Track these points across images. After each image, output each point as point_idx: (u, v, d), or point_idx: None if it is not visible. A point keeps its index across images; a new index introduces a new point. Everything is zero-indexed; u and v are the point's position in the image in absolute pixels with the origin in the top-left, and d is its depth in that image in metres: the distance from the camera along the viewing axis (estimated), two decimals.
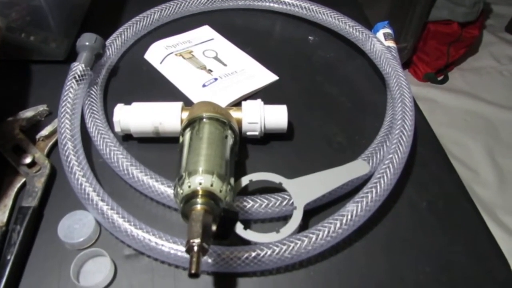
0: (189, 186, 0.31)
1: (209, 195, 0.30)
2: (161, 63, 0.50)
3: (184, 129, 0.37)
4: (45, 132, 0.42)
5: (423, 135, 0.45)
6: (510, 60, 1.80)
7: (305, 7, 0.55)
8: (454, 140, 1.42)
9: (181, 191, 0.31)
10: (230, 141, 0.37)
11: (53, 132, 0.42)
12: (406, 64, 1.68)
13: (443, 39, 1.56)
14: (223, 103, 0.45)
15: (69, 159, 0.37)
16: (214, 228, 0.30)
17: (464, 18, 1.51)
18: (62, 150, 0.37)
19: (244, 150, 0.43)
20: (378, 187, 0.36)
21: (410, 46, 1.56)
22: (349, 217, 0.34)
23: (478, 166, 1.35)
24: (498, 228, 1.15)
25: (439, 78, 1.66)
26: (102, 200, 0.35)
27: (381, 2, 1.45)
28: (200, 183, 0.30)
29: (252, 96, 0.48)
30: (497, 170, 1.35)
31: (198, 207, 0.30)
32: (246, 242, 0.33)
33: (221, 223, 0.30)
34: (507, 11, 1.97)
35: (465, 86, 1.66)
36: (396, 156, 0.38)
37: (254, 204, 0.36)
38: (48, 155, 0.41)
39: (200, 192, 0.30)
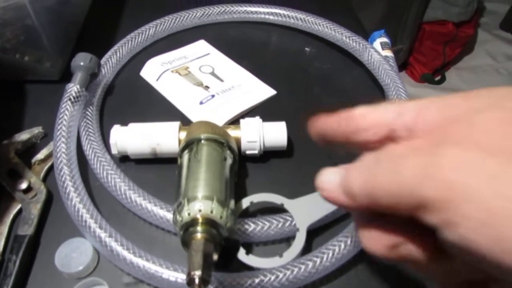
0: (189, 214, 0.30)
1: (210, 222, 0.30)
2: (157, 80, 0.49)
3: (182, 150, 0.37)
4: (40, 155, 0.41)
5: None
6: (506, 57, 1.80)
7: (300, 18, 0.55)
8: None
9: (180, 219, 0.30)
10: (229, 161, 0.36)
11: (49, 156, 0.41)
12: (402, 66, 1.68)
13: (438, 39, 1.56)
14: (221, 121, 0.44)
15: (65, 185, 0.36)
16: (215, 257, 0.29)
17: (459, 18, 1.52)
18: (58, 175, 0.37)
19: (243, 168, 0.42)
20: None
21: (406, 47, 1.56)
22: (353, 237, 0.34)
23: None
24: None
25: (436, 79, 1.67)
26: (100, 227, 0.34)
27: (375, 4, 1.45)
28: (200, 210, 0.30)
29: (250, 111, 0.47)
30: None
31: (198, 235, 0.29)
32: (248, 268, 0.32)
33: (222, 253, 0.29)
34: (500, 8, 1.97)
35: (462, 85, 1.66)
36: None
37: (256, 227, 0.35)
38: (44, 179, 0.40)
39: (200, 220, 0.29)
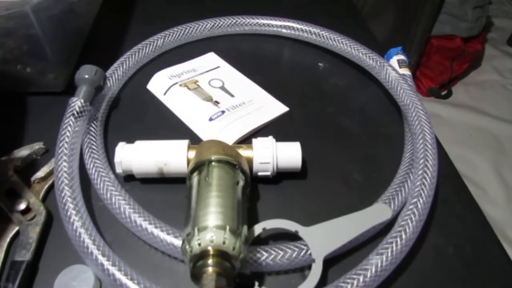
0: (199, 244, 0.28)
1: (222, 254, 0.27)
2: (165, 94, 0.47)
3: (191, 172, 0.35)
4: (41, 173, 0.39)
5: (445, 171, 0.42)
6: None
7: (314, 33, 0.53)
8: (460, 157, 1.39)
9: (190, 249, 0.28)
10: (241, 184, 0.34)
11: (50, 173, 0.39)
12: None
13: (446, 54, 1.54)
14: (231, 139, 0.42)
15: (66, 207, 0.34)
16: None
17: (467, 33, 1.50)
18: (59, 196, 0.34)
19: (255, 190, 0.40)
20: (403, 235, 0.33)
21: (413, 61, 1.54)
22: (373, 270, 0.31)
23: (486, 184, 1.33)
24: (510, 249, 1.12)
25: (443, 93, 1.65)
26: (103, 254, 0.32)
27: (383, 18, 1.44)
28: (211, 241, 0.27)
29: (261, 129, 0.45)
30: (505, 186, 1.32)
31: (210, 269, 0.27)
32: None
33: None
34: (508, 24, 1.96)
35: (469, 101, 1.64)
36: (421, 200, 0.35)
37: (268, 256, 0.33)
38: (44, 199, 0.38)
39: (211, 252, 0.27)
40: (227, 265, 0.27)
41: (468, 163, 1.40)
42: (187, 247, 0.28)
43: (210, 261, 0.27)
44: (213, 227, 0.28)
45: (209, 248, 0.27)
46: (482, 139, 1.49)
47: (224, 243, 0.28)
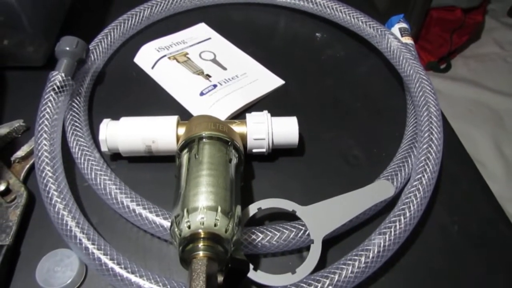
0: (189, 226, 0.26)
1: (213, 237, 0.25)
2: (152, 68, 0.44)
3: (180, 150, 0.32)
4: (21, 152, 0.36)
5: (450, 146, 0.40)
6: None
7: (311, 1, 0.50)
8: (459, 132, 1.36)
9: (179, 232, 0.26)
10: (234, 162, 0.32)
11: (31, 153, 0.37)
12: None
13: (446, 26, 1.50)
14: (223, 114, 0.40)
15: (47, 188, 0.31)
16: (220, 279, 0.25)
17: (468, 4, 1.46)
18: (40, 177, 0.32)
19: (249, 168, 0.38)
20: (407, 213, 0.31)
21: (412, 34, 1.50)
22: (375, 251, 0.30)
23: (485, 158, 1.31)
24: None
25: (442, 67, 1.61)
26: (87, 237, 0.30)
27: None
28: (202, 223, 0.25)
29: (255, 104, 0.43)
30: (505, 161, 1.31)
31: (201, 254, 0.25)
32: (257, 285, 0.28)
33: (228, 273, 0.25)
34: None
35: (468, 74, 1.61)
36: (425, 176, 0.33)
37: (264, 237, 0.31)
38: (25, 180, 0.36)
39: (202, 235, 0.25)
40: (219, 248, 0.25)
41: (467, 138, 1.38)
42: (176, 229, 0.26)
43: (200, 244, 0.25)
44: (203, 208, 0.26)
45: (200, 230, 0.25)
46: (481, 114, 1.47)
47: (215, 225, 0.26)
